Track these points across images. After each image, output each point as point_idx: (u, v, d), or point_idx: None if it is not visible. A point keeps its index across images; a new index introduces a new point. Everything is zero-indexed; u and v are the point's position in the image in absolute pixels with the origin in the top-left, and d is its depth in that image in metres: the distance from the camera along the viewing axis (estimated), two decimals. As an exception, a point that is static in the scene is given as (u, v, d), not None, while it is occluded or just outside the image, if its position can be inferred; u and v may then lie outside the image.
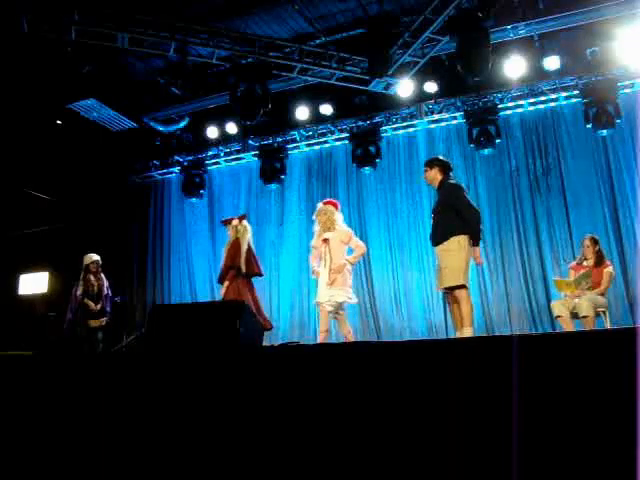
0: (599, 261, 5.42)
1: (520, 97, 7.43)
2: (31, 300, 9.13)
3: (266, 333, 4.59)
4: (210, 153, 8.95)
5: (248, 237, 5.54)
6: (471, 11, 5.91)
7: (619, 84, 6.91)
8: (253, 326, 2.96)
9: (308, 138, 8.48)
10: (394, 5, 6.59)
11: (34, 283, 9.31)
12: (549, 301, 6.18)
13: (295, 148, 8.64)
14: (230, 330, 2.74)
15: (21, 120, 7.54)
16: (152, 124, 8.35)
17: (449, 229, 4.40)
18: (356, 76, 7.01)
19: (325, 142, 8.54)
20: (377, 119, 8.02)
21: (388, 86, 7.07)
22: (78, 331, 6.33)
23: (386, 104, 7.76)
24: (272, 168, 8.46)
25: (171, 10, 6.36)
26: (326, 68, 6.96)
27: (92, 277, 6.53)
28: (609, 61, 6.70)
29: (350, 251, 5.38)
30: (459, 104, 7.65)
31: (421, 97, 7.56)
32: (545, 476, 1.77)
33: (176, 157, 9.08)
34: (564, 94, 7.29)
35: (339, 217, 5.40)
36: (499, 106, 7.48)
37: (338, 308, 5.14)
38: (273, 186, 8.54)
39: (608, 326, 5.07)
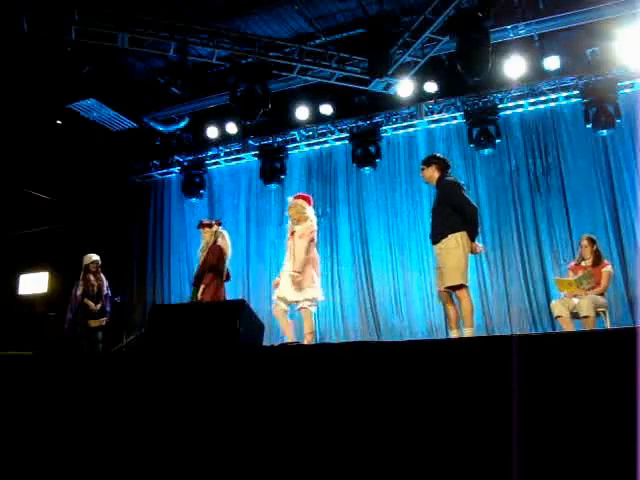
0: (597, 261, 5.39)
1: (520, 97, 7.43)
2: (31, 300, 9.12)
3: (266, 333, 4.56)
4: (210, 153, 8.95)
5: (228, 242, 5.66)
6: (471, 11, 5.91)
7: (619, 84, 6.91)
8: (253, 326, 2.96)
9: (308, 138, 8.48)
10: (394, 5, 6.59)
11: (34, 283, 9.31)
12: (549, 301, 6.16)
13: (295, 148, 8.64)
14: (230, 330, 2.74)
15: (21, 120, 7.54)
16: (152, 124, 8.35)
17: (447, 226, 4.39)
18: (356, 76, 7.01)
19: (325, 142, 8.53)
20: (377, 119, 8.02)
21: (388, 86, 7.07)
22: (78, 331, 6.33)
23: (386, 104, 7.76)
24: (272, 168, 8.47)
25: (171, 10, 6.36)
26: (326, 68, 6.96)
27: (92, 277, 6.53)
28: (609, 61, 6.71)
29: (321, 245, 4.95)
30: (459, 104, 7.65)
31: (421, 97, 7.56)
32: (545, 476, 1.77)
33: (176, 157, 9.08)
34: (564, 94, 7.29)
35: (310, 211, 5.11)
36: (499, 106, 7.48)
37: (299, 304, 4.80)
38: (273, 186, 8.54)
39: (608, 326, 5.06)
